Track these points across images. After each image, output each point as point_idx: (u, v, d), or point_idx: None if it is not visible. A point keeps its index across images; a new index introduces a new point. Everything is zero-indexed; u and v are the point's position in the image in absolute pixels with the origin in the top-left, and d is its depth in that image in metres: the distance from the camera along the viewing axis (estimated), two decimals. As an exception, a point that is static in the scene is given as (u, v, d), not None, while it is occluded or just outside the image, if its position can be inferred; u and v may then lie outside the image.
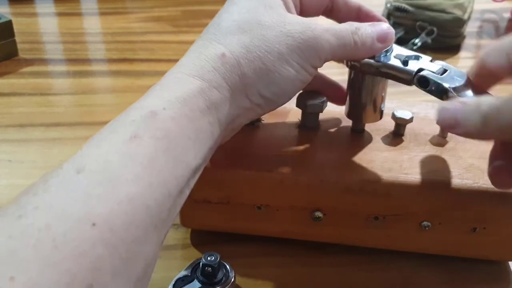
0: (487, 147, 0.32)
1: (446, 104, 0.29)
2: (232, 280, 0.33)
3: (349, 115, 0.37)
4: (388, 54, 0.33)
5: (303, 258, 0.37)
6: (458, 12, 0.70)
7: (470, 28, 0.77)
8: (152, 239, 0.23)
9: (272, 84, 0.29)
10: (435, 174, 0.34)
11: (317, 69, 0.31)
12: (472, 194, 0.33)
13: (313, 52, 0.30)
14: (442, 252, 0.37)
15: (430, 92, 0.31)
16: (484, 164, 0.33)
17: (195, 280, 0.32)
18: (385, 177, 0.34)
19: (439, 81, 0.31)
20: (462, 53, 0.73)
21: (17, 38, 0.67)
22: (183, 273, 0.33)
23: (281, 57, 0.29)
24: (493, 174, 0.30)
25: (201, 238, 0.39)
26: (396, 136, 0.38)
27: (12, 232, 0.19)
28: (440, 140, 0.37)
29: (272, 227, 0.37)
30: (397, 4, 0.71)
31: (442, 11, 0.69)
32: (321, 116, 0.39)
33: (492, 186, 0.32)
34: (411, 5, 0.70)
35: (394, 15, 0.71)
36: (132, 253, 0.21)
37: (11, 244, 0.19)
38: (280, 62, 0.29)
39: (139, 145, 0.23)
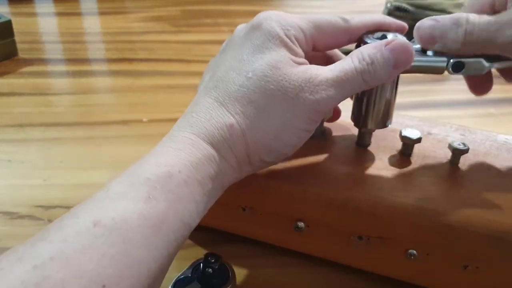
0: (498, 180, 0.30)
1: (422, 21, 0.31)
2: (233, 281, 0.33)
3: (354, 120, 0.36)
4: None
5: (303, 259, 0.37)
6: (458, 12, 0.69)
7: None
8: None
9: (274, 151, 0.30)
10: (427, 201, 0.32)
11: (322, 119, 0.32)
12: (464, 228, 0.31)
13: (316, 114, 0.29)
14: (429, 286, 0.34)
15: (461, 73, 0.32)
16: (488, 198, 0.32)
17: (195, 280, 0.32)
18: (371, 196, 0.32)
19: (473, 60, 0.31)
20: (462, 53, 0.72)
21: (17, 38, 0.67)
22: (183, 273, 0.33)
23: (284, 127, 0.29)
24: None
25: (201, 239, 0.39)
26: (403, 155, 0.36)
27: (27, 284, 0.19)
28: (449, 167, 0.35)
29: (256, 230, 0.37)
30: (397, 4, 0.71)
31: (442, 11, 0.69)
32: (331, 126, 0.38)
33: (488, 224, 0.30)
34: (411, 5, 0.70)
35: (394, 15, 0.71)
36: None
37: None
38: (284, 131, 0.29)
39: (154, 207, 0.24)
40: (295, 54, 0.30)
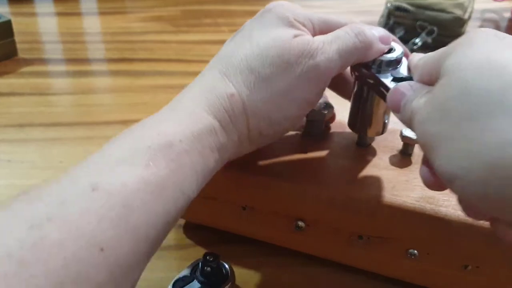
0: None
1: (399, 85, 0.27)
2: (231, 280, 0.33)
3: (350, 125, 0.36)
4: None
5: (303, 258, 0.37)
6: (458, 12, 0.69)
7: (471, 27, 0.76)
8: (143, 266, 0.24)
9: (275, 123, 0.30)
10: (428, 200, 0.32)
11: (324, 90, 0.31)
12: (464, 228, 0.31)
13: (316, 80, 0.30)
14: (430, 285, 0.34)
15: None
16: None
17: (195, 280, 0.32)
18: (371, 195, 0.32)
19: None
20: (463, 53, 0.72)
21: (17, 38, 0.67)
22: (182, 273, 0.33)
23: (285, 96, 0.29)
24: (423, 175, 0.27)
25: (201, 239, 0.39)
26: (404, 155, 0.36)
27: (24, 244, 0.19)
28: None
29: (257, 229, 0.37)
30: (397, 3, 0.71)
31: (443, 10, 0.69)
32: (331, 126, 0.38)
33: (488, 223, 0.31)
34: (411, 4, 0.70)
35: (394, 14, 0.71)
36: (124, 279, 0.22)
37: (22, 256, 0.19)
38: (284, 101, 0.29)
39: (154, 174, 0.24)
40: (295, 27, 0.30)
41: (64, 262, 0.19)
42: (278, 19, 0.30)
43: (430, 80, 0.26)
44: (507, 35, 0.23)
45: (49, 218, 0.20)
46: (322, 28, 0.32)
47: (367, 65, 0.31)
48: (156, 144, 0.25)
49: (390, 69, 0.31)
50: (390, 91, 0.28)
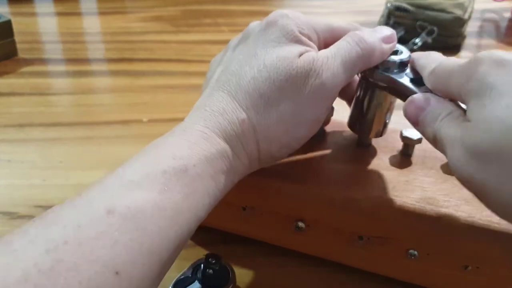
0: None
1: (415, 98, 0.28)
2: (233, 281, 0.33)
3: (351, 126, 0.36)
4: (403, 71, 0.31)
5: (303, 259, 0.37)
6: (458, 12, 0.69)
7: (471, 27, 0.76)
8: (156, 286, 0.24)
9: (284, 146, 0.30)
10: (428, 201, 0.32)
11: (330, 106, 0.31)
12: (465, 228, 0.31)
13: (324, 99, 0.30)
14: (430, 286, 0.34)
15: None
16: None
17: (196, 281, 0.32)
18: (372, 196, 0.32)
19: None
20: (463, 53, 0.72)
21: (17, 38, 0.67)
22: (183, 274, 0.33)
23: (295, 118, 0.29)
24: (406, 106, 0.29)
25: (202, 239, 0.39)
26: (404, 156, 0.36)
27: (41, 267, 0.19)
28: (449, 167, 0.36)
29: (257, 230, 0.37)
30: (397, 3, 0.71)
31: (443, 10, 0.69)
32: (331, 126, 0.38)
33: (488, 224, 0.30)
34: (411, 4, 0.70)
35: (394, 14, 0.71)
36: None
37: (40, 279, 0.19)
38: (294, 123, 0.29)
39: (169, 198, 0.24)
40: (307, 47, 0.30)
41: (79, 287, 0.20)
42: (283, 35, 0.30)
43: (446, 94, 0.27)
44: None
45: (65, 242, 0.20)
46: (326, 37, 0.32)
47: (376, 68, 0.31)
48: (171, 168, 0.25)
49: (401, 70, 0.31)
50: (405, 103, 0.29)
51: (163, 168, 0.25)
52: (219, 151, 0.27)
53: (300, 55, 0.29)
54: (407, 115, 0.28)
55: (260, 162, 0.31)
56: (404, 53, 0.32)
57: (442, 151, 0.26)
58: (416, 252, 0.33)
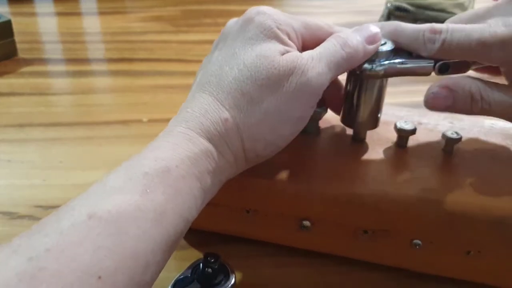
0: (491, 166, 0.31)
1: (436, 91, 0.32)
2: (232, 281, 0.33)
3: (344, 121, 0.37)
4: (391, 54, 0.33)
5: (304, 259, 0.37)
6: (458, 12, 0.69)
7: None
8: None
9: (270, 145, 0.30)
10: (429, 192, 0.33)
11: (316, 104, 0.31)
12: (465, 215, 0.32)
13: (308, 96, 0.30)
14: (436, 272, 0.35)
15: (447, 73, 0.33)
16: (484, 184, 0.33)
17: (195, 281, 0.32)
18: (375, 190, 0.33)
19: (458, 62, 0.32)
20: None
21: (16, 38, 0.67)
22: (183, 273, 0.33)
23: (279, 117, 0.29)
24: (429, 99, 0.32)
25: (201, 239, 0.39)
26: (399, 148, 0.37)
27: (23, 276, 0.19)
28: (444, 156, 0.36)
29: (261, 232, 0.37)
30: (397, 3, 0.71)
31: (443, 10, 0.69)
32: (324, 123, 0.38)
33: (487, 210, 0.31)
34: (411, 4, 0.70)
35: (394, 14, 0.71)
36: None
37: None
38: (278, 122, 0.29)
39: (151, 200, 0.24)
40: (286, 45, 0.30)
41: None
42: (262, 32, 0.30)
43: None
44: None
45: (47, 249, 0.20)
46: (304, 34, 0.32)
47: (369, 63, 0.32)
48: (153, 169, 0.25)
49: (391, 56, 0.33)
50: (428, 98, 0.32)
51: (145, 170, 0.25)
52: (203, 151, 0.27)
53: (281, 52, 0.29)
54: (435, 108, 0.32)
55: (247, 161, 0.30)
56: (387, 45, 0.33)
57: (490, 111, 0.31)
58: (420, 242, 0.33)
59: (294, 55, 0.29)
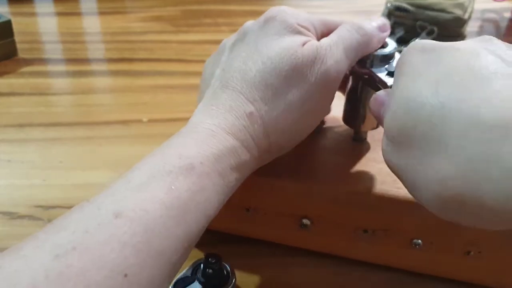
0: None
1: (378, 94, 0.28)
2: (233, 281, 0.33)
3: (345, 120, 0.37)
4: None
5: (304, 259, 0.37)
6: (458, 12, 0.69)
7: (471, 27, 0.76)
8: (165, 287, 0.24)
9: (294, 136, 0.30)
10: None
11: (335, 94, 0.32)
12: None
13: (330, 86, 0.30)
14: (435, 273, 0.35)
15: None
16: None
17: (196, 281, 0.32)
18: (375, 190, 0.33)
19: None
20: (463, 53, 0.72)
21: (16, 38, 0.67)
22: (183, 273, 0.33)
23: (303, 108, 0.29)
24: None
25: (201, 239, 0.39)
26: None
27: (49, 273, 0.20)
28: None
29: (261, 230, 0.37)
30: (397, 3, 0.71)
31: (443, 10, 0.69)
32: (326, 122, 0.38)
33: None
34: (411, 4, 0.70)
35: (394, 14, 0.71)
36: None
37: (49, 285, 0.19)
38: (301, 112, 0.29)
39: (176, 198, 0.24)
40: (303, 34, 0.31)
41: None
42: (283, 27, 0.30)
43: None
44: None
45: (74, 247, 0.21)
46: (323, 30, 0.32)
47: (361, 61, 0.32)
48: (177, 167, 0.25)
49: (384, 63, 0.32)
50: (371, 98, 0.28)
51: (169, 168, 0.25)
52: (227, 147, 0.27)
53: (303, 43, 0.30)
54: (372, 112, 0.28)
55: (271, 154, 0.30)
56: (389, 46, 0.33)
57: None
58: (420, 241, 0.33)
59: (314, 45, 0.30)
